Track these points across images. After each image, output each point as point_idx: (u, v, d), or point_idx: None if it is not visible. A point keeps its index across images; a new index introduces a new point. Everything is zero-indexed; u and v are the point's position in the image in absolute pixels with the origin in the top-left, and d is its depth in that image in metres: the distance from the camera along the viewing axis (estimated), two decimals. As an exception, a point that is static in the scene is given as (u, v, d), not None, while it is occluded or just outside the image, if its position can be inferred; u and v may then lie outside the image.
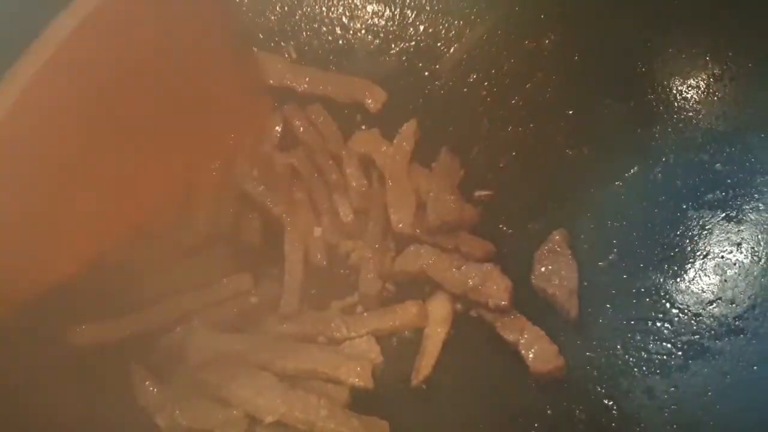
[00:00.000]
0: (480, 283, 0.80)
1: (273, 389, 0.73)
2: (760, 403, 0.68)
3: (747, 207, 0.79)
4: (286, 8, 0.99)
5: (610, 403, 0.76)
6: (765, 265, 0.76)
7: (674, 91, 0.88)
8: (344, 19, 1.00)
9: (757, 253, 0.77)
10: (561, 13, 0.93)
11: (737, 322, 0.74)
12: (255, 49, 0.94)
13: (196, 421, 0.74)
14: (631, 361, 0.77)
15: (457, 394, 0.79)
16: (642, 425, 0.73)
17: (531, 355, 0.77)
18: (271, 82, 0.93)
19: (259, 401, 0.72)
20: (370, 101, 0.93)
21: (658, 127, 0.88)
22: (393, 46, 0.99)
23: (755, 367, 0.71)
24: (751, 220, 0.79)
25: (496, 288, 0.79)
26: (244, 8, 0.99)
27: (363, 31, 0.99)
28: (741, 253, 0.78)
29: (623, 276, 0.83)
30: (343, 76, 0.96)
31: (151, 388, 0.75)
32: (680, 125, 0.87)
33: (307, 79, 0.94)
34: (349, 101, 0.95)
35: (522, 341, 0.77)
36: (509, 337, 0.78)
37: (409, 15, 0.99)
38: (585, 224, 0.87)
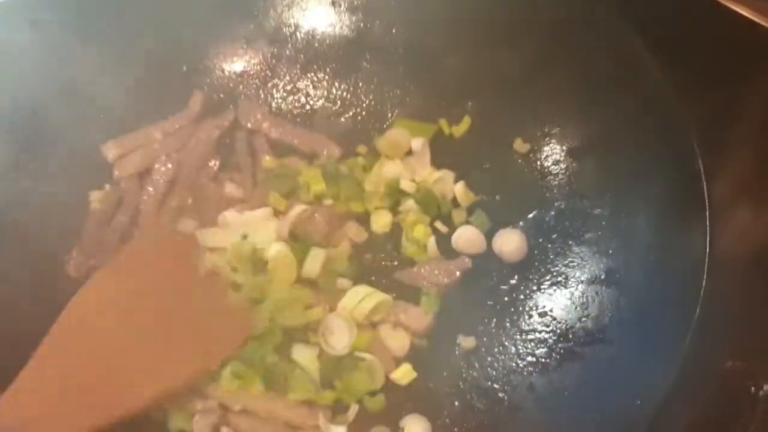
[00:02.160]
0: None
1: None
2: (602, 391, 0.90)
3: (614, 244, 1.01)
4: (259, 80, 1.22)
5: (503, 395, 0.97)
6: (622, 290, 0.97)
7: (566, 150, 1.10)
8: (309, 89, 1.23)
9: (618, 281, 0.98)
10: (474, 89, 1.16)
11: (599, 334, 0.96)
12: (242, 97, 1.19)
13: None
14: (522, 364, 0.99)
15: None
16: (523, 412, 0.95)
17: (409, 321, 1.00)
18: (249, 125, 1.16)
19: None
20: (326, 154, 1.16)
21: (552, 181, 1.10)
22: (347, 110, 1.22)
23: (605, 367, 0.92)
24: (616, 254, 1.00)
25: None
26: (228, 74, 1.22)
27: (323, 99, 1.22)
28: (608, 280, 1.00)
29: (521, 297, 1.05)
30: (308, 132, 1.19)
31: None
32: (570, 178, 1.09)
33: (280, 129, 1.17)
34: (310, 152, 1.16)
35: (400, 315, 1.02)
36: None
37: (361, 85, 1.22)
38: (494, 256, 1.09)
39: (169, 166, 1.10)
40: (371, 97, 1.21)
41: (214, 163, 1.13)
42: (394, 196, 1.10)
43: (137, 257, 0.92)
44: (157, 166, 1.11)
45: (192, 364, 0.82)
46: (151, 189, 1.10)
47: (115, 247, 1.06)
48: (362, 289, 1.02)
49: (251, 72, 1.22)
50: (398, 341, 1.01)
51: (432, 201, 1.10)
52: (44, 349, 0.70)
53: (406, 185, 1.10)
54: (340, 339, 0.98)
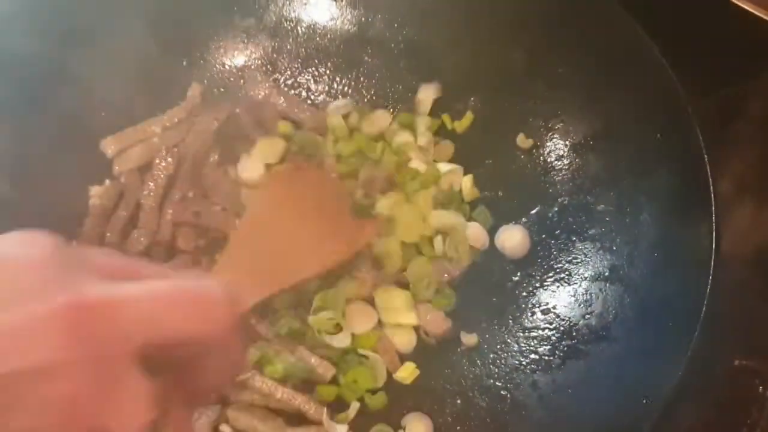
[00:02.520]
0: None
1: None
2: (607, 390, 0.89)
3: (618, 240, 1.00)
4: (260, 74, 1.20)
5: (505, 393, 0.96)
6: (626, 287, 0.96)
7: (569, 145, 1.09)
8: (310, 84, 1.22)
9: (622, 277, 0.97)
10: (477, 82, 1.15)
11: (602, 331, 0.95)
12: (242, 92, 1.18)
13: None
14: (524, 361, 0.98)
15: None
16: (527, 410, 0.94)
17: (428, 324, 1.00)
18: (260, 96, 1.16)
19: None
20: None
21: (555, 176, 1.09)
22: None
23: (609, 364, 0.91)
24: (620, 251, 0.99)
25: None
26: (229, 68, 1.21)
27: (324, 94, 1.21)
28: (611, 276, 0.99)
29: (523, 294, 1.04)
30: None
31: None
32: (573, 174, 1.08)
33: (289, 101, 1.16)
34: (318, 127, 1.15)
35: (418, 316, 1.01)
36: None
37: (362, 80, 1.21)
38: (497, 252, 1.08)
39: (170, 160, 1.09)
40: (372, 92, 1.20)
41: (213, 156, 1.12)
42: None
43: (285, 175, 1.08)
44: (157, 160, 1.10)
45: (338, 250, 0.97)
46: (151, 184, 1.08)
47: (116, 243, 1.05)
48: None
49: (252, 66, 1.21)
50: (404, 337, 1.00)
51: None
52: (234, 237, 0.92)
53: (416, 164, 1.10)
54: (361, 324, 0.99)
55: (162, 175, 1.09)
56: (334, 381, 0.97)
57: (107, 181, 1.09)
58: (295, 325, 0.97)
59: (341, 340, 0.98)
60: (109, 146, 1.10)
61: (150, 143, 1.11)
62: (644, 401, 0.83)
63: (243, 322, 0.72)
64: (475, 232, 1.07)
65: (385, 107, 1.18)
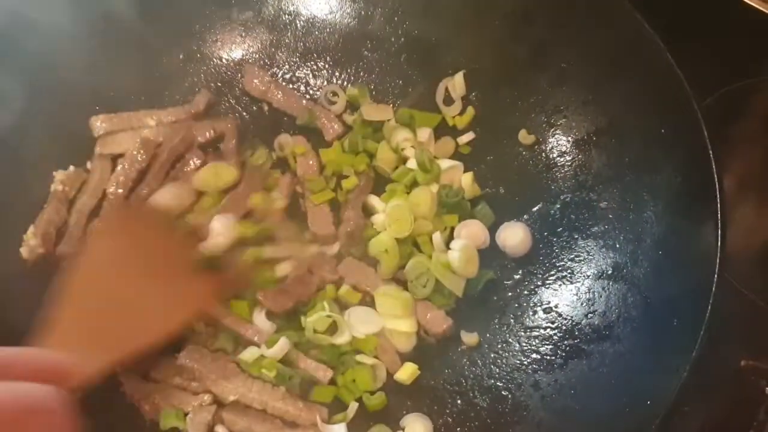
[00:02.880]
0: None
1: (236, 375, 0.93)
2: (611, 390, 0.87)
3: (621, 237, 0.98)
4: (258, 68, 1.18)
5: (506, 393, 0.94)
6: (629, 286, 0.94)
7: (572, 141, 1.07)
8: (309, 78, 1.20)
9: (625, 276, 0.95)
10: (478, 76, 1.13)
11: (606, 330, 0.93)
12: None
13: (173, 406, 0.93)
14: (526, 361, 0.96)
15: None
16: (528, 410, 0.92)
17: (428, 323, 0.98)
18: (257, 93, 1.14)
19: (225, 383, 0.92)
20: (330, 131, 1.12)
21: (558, 173, 1.07)
22: (348, 100, 1.19)
23: (613, 364, 0.89)
24: (623, 248, 0.97)
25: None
26: (226, 62, 1.20)
27: (323, 89, 1.19)
28: (614, 275, 0.97)
29: (525, 292, 1.02)
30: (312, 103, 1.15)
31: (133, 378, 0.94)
32: (576, 170, 1.06)
33: (286, 97, 1.14)
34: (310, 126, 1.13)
35: (418, 314, 0.99)
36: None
37: (362, 75, 1.19)
38: (498, 250, 1.06)
39: (144, 156, 1.07)
40: (372, 87, 1.18)
41: (194, 162, 1.09)
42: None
43: (121, 221, 0.98)
44: (133, 152, 1.07)
45: (182, 310, 0.88)
46: (122, 178, 1.06)
47: (80, 230, 1.03)
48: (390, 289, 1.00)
49: (250, 60, 1.19)
50: (404, 338, 0.99)
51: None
52: (66, 297, 0.79)
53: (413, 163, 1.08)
54: (365, 328, 0.97)
55: (134, 169, 1.07)
56: (331, 381, 0.95)
57: (71, 167, 1.07)
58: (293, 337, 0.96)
59: (340, 337, 0.96)
60: (98, 123, 1.08)
61: (140, 133, 1.09)
62: (648, 402, 0.81)
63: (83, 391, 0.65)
64: (476, 230, 1.05)
65: (385, 102, 1.16)
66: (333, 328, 0.97)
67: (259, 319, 0.98)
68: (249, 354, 0.94)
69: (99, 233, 0.94)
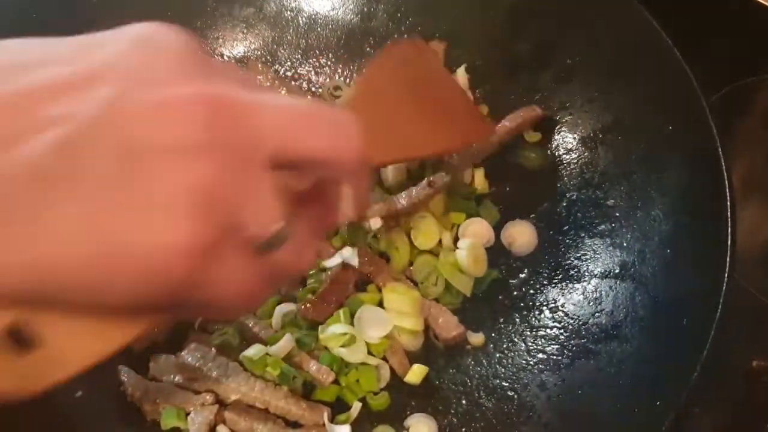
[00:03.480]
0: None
1: (238, 374, 0.92)
2: (619, 390, 0.86)
3: (629, 236, 0.97)
4: (260, 65, 1.17)
5: (512, 394, 0.93)
6: (637, 285, 0.93)
7: (578, 138, 1.06)
8: (311, 75, 1.19)
9: (633, 275, 0.94)
10: (480, 74, 1.12)
11: (613, 330, 0.92)
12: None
13: (176, 405, 0.91)
14: (532, 361, 0.95)
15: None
16: (534, 411, 0.91)
17: (438, 327, 0.96)
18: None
19: (225, 382, 0.91)
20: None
21: (564, 171, 1.06)
22: (351, 97, 1.17)
23: (621, 365, 0.88)
24: (631, 247, 0.96)
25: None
26: (228, 59, 1.18)
27: (324, 86, 1.18)
28: (622, 274, 0.95)
29: (531, 291, 1.01)
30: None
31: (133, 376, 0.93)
32: (582, 168, 1.05)
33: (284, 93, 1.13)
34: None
35: (430, 316, 0.97)
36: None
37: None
38: (503, 249, 1.05)
39: None
40: (376, 84, 1.16)
41: None
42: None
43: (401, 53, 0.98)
44: None
45: (451, 138, 0.93)
46: None
47: None
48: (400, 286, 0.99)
49: (251, 57, 1.18)
50: (413, 337, 0.97)
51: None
52: (354, 98, 0.87)
53: None
54: (375, 331, 0.95)
55: None
56: (334, 381, 0.94)
57: None
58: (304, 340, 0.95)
59: (355, 354, 0.94)
60: None
61: None
62: (658, 403, 0.79)
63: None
64: (482, 229, 1.04)
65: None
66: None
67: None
68: (254, 351, 0.92)
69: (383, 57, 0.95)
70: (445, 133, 0.92)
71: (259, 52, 1.18)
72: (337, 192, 0.55)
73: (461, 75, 1.12)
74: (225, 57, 1.17)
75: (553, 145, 1.07)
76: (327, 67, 1.18)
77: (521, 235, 1.03)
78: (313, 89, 1.17)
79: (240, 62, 1.17)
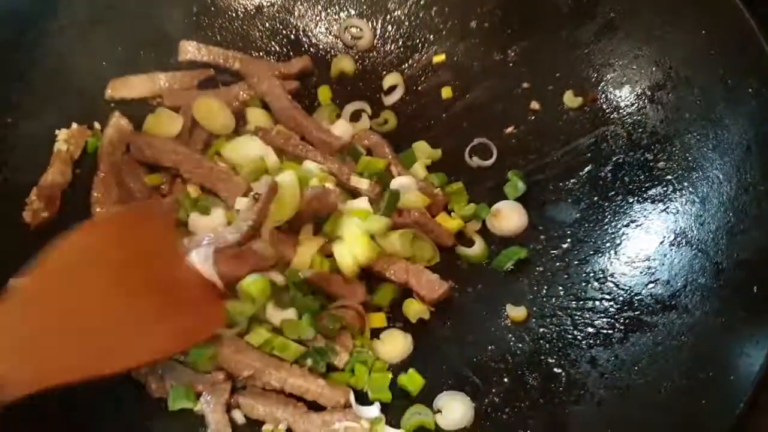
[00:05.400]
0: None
1: (251, 350, 0.83)
2: (684, 365, 0.77)
3: (683, 200, 0.89)
4: (277, 21, 1.09)
5: (559, 371, 0.85)
6: (696, 251, 0.85)
7: (624, 97, 0.98)
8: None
9: (690, 241, 0.86)
10: (517, 30, 1.04)
11: (671, 300, 0.83)
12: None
13: (185, 384, 0.83)
14: (579, 336, 0.87)
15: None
16: (585, 389, 0.82)
17: (422, 288, 0.89)
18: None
19: (238, 357, 0.82)
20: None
21: (610, 130, 0.97)
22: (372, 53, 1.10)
23: (683, 337, 0.80)
24: (686, 211, 0.88)
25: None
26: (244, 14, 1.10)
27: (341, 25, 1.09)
28: (678, 240, 0.87)
29: (575, 262, 0.92)
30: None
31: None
32: (629, 128, 0.96)
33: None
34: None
35: (411, 280, 0.90)
36: (399, 279, 0.90)
37: (390, 30, 1.09)
38: (543, 216, 0.96)
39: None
40: (401, 43, 1.08)
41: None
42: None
43: (121, 220, 0.82)
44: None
45: (166, 341, 0.74)
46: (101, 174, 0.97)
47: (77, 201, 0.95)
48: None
49: (267, 14, 1.09)
50: (396, 346, 0.89)
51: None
52: (24, 286, 0.64)
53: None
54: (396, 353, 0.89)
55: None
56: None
57: (74, 125, 0.97)
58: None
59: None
60: (189, 48, 1.04)
61: (153, 77, 1.03)
62: (732, 377, 0.71)
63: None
64: (508, 212, 0.97)
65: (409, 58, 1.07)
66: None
67: None
68: (258, 336, 0.84)
69: (86, 230, 0.74)
70: (160, 335, 0.71)
71: (275, 8, 1.09)
72: None
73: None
74: (241, 8, 1.08)
75: (596, 105, 0.99)
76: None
77: (510, 221, 0.96)
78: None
79: (254, 18, 1.09)
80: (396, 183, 0.94)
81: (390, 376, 0.86)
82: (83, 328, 0.66)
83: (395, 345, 0.89)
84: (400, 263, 0.91)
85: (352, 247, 0.89)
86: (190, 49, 1.04)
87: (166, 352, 0.76)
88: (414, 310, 0.90)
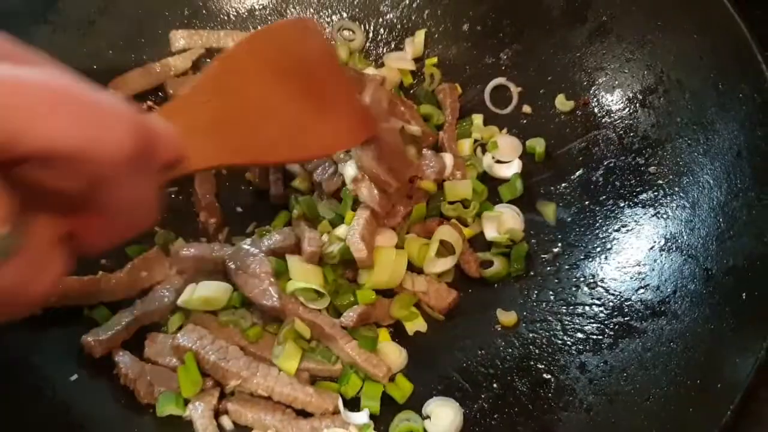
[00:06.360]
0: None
1: (238, 358, 0.83)
2: (672, 372, 0.77)
3: (673, 205, 0.89)
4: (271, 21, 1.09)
5: (549, 377, 0.84)
6: (686, 257, 0.85)
7: (616, 101, 0.97)
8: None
9: (680, 246, 0.86)
10: (509, 33, 1.04)
11: (660, 306, 0.83)
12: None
13: (174, 390, 0.82)
14: (569, 341, 0.86)
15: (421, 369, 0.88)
16: (574, 395, 0.82)
17: (430, 299, 0.90)
18: None
19: (225, 366, 0.82)
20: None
21: (601, 134, 0.97)
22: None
23: (672, 344, 0.79)
24: (677, 216, 0.88)
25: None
26: (237, 14, 1.09)
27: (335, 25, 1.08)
28: (668, 246, 0.87)
29: (566, 266, 0.92)
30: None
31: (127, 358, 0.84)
32: (621, 132, 0.96)
33: None
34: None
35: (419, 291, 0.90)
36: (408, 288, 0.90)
37: (382, 33, 1.09)
38: (533, 220, 0.96)
39: None
40: (393, 46, 1.08)
41: None
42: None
43: (287, 31, 0.84)
44: None
45: (324, 140, 0.80)
46: None
47: None
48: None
49: (259, 16, 1.09)
50: (394, 356, 0.87)
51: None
52: (202, 80, 0.70)
53: None
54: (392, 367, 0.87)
55: None
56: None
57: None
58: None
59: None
60: (178, 38, 1.05)
61: (149, 68, 1.03)
62: (719, 385, 0.71)
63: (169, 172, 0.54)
64: (506, 216, 0.96)
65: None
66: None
67: None
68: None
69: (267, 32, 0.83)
70: (318, 135, 0.77)
71: (267, 10, 1.09)
72: (119, 197, 0.43)
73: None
74: (231, 17, 1.08)
75: (588, 109, 0.99)
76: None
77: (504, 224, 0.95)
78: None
79: (246, 20, 1.08)
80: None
81: (383, 387, 0.85)
82: (257, 118, 0.71)
83: (392, 359, 0.87)
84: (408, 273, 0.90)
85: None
86: (181, 38, 1.05)
87: (326, 149, 0.83)
88: (414, 323, 0.89)
